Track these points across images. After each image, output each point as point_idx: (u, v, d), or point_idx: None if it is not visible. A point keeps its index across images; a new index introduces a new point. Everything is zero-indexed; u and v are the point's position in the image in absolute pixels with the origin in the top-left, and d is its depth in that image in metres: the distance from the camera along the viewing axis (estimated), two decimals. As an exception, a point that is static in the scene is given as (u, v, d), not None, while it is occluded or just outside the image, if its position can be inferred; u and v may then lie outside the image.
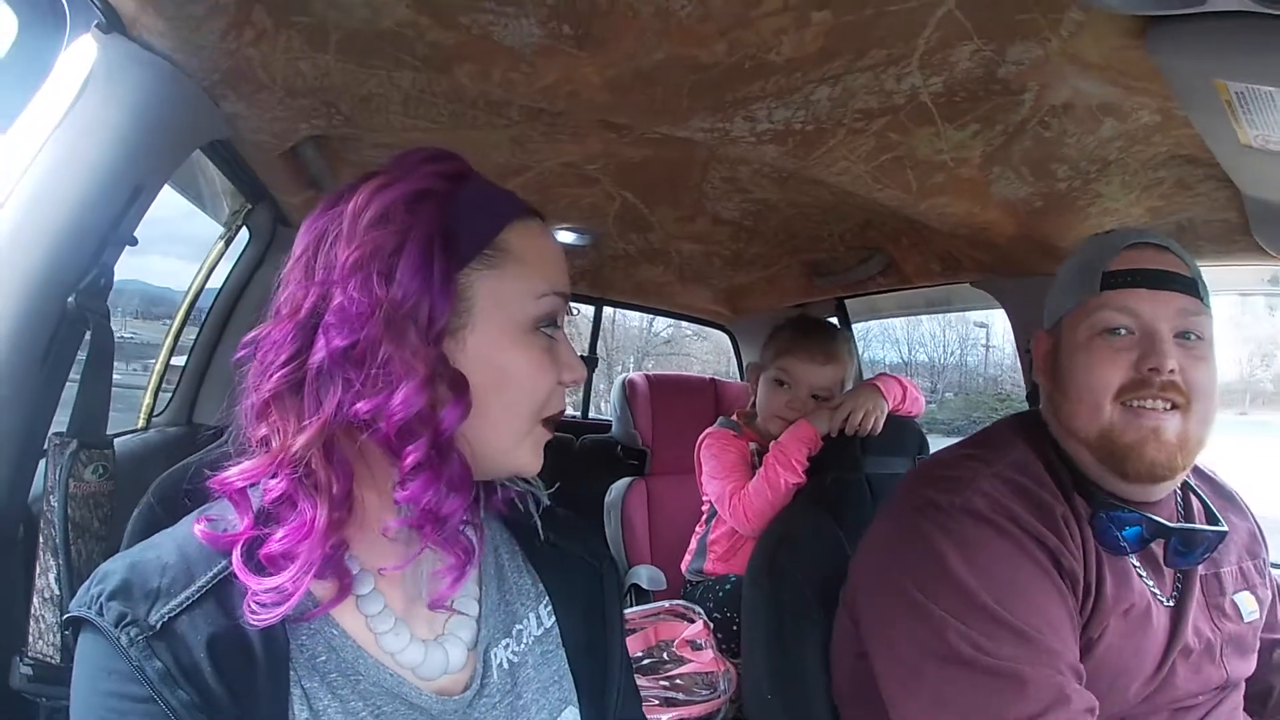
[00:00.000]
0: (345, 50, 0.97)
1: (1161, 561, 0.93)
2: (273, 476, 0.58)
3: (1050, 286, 1.04)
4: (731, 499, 1.57)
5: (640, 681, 1.34)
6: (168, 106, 1.01)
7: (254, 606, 0.55)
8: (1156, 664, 0.90)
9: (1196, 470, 1.06)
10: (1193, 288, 0.93)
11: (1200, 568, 0.95)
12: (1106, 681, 0.86)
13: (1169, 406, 0.89)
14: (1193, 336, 0.92)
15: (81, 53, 0.91)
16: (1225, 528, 0.96)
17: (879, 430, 1.44)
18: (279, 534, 0.56)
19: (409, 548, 0.61)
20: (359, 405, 0.56)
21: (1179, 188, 1.15)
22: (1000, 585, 0.84)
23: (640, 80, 0.99)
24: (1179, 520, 0.99)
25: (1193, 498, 1.02)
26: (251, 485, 0.58)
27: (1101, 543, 0.90)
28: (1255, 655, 0.99)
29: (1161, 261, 0.94)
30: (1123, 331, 0.92)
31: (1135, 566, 0.92)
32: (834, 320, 2.27)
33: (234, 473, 0.58)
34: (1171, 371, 0.88)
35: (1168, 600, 0.93)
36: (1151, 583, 0.93)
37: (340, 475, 0.57)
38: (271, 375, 0.58)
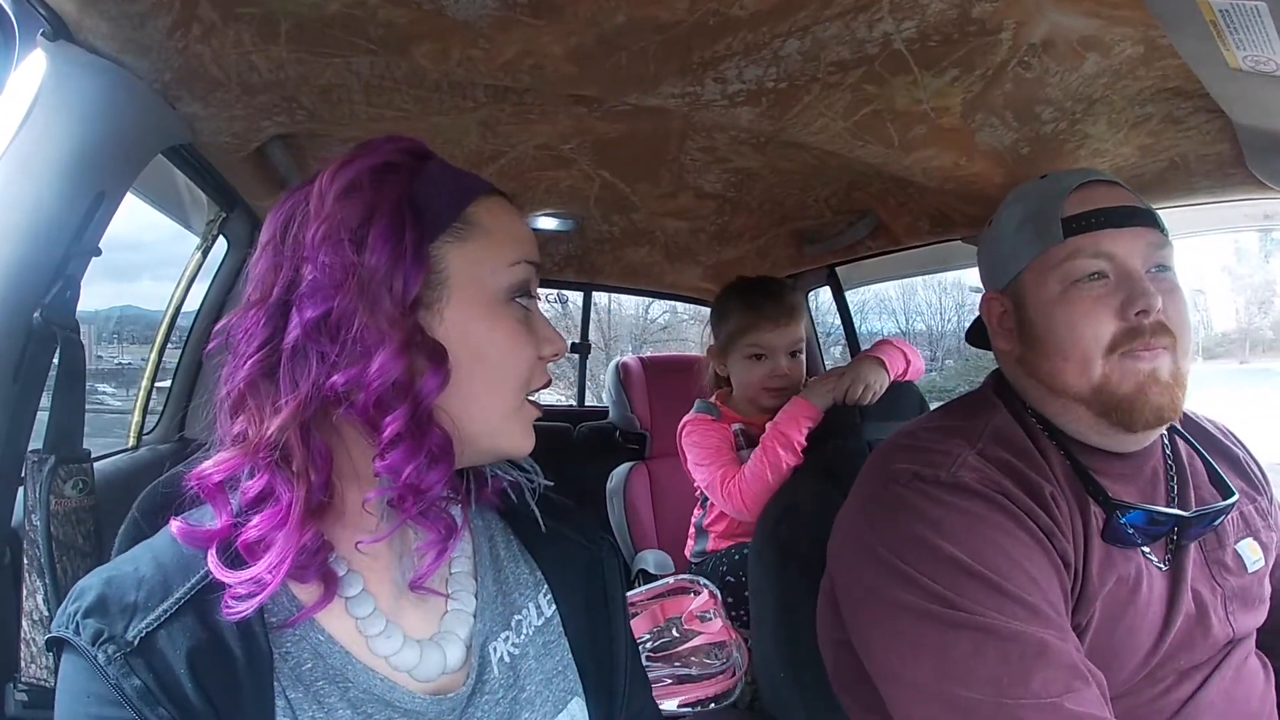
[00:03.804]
0: (297, 39, 0.95)
1: (1171, 539, 0.88)
2: (250, 475, 0.56)
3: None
4: (724, 485, 1.51)
5: (650, 664, 1.33)
6: (122, 111, 0.99)
7: (230, 601, 0.53)
8: (1155, 638, 0.83)
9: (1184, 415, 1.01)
10: (1153, 220, 0.90)
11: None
12: (1100, 661, 0.80)
13: (1162, 348, 0.85)
14: (1165, 269, 0.88)
15: (32, 64, 0.89)
16: (1235, 496, 0.90)
17: (876, 401, 1.41)
18: (255, 520, 0.55)
19: (388, 524, 0.59)
20: (335, 378, 0.55)
21: (1168, 123, 1.12)
22: (999, 559, 0.78)
23: (603, 47, 0.96)
24: (1167, 463, 0.94)
25: (1179, 443, 0.97)
26: (231, 483, 0.57)
27: (1119, 542, 0.84)
28: (1265, 604, 0.92)
29: (1118, 197, 0.90)
30: (1099, 276, 0.87)
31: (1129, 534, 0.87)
32: (826, 288, 2.27)
33: (210, 464, 0.57)
34: (1160, 311, 0.84)
35: (1162, 564, 0.87)
36: (1146, 548, 0.87)
37: (318, 462, 0.56)
38: (245, 363, 0.56)
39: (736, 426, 1.64)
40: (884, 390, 1.43)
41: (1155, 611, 0.84)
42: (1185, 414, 1.00)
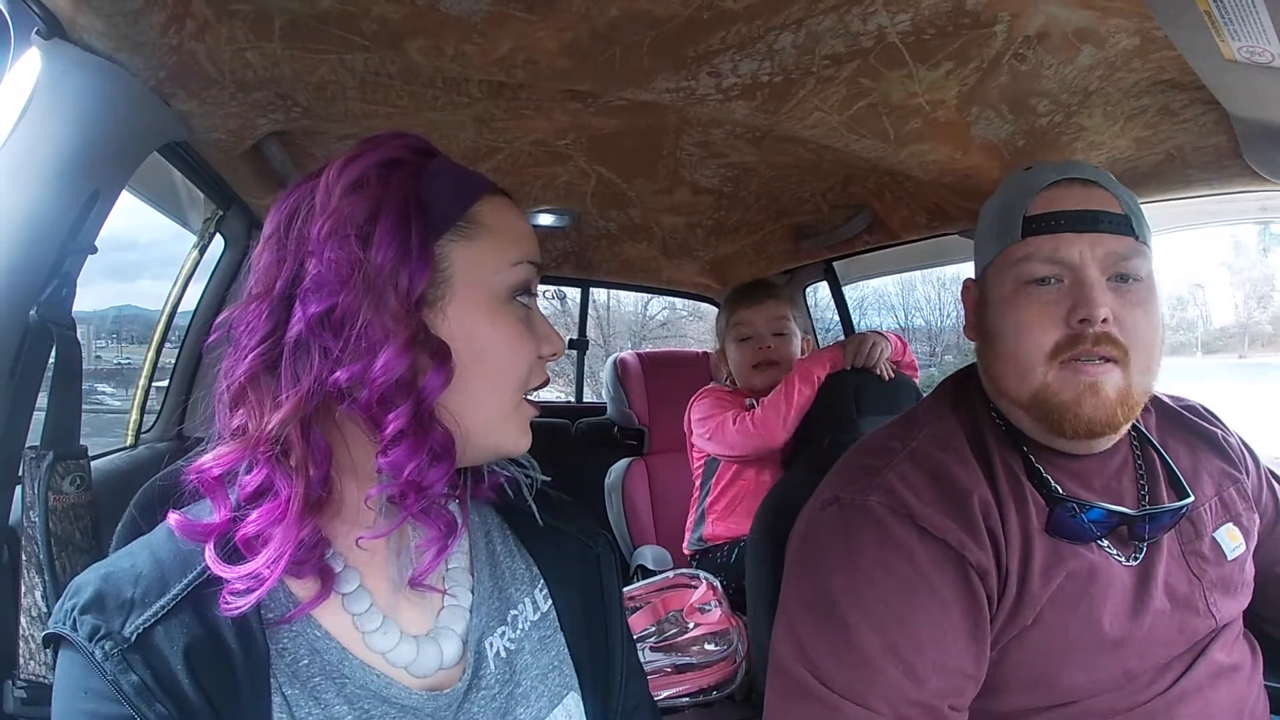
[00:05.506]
0: (291, 36, 0.95)
1: (1126, 536, 0.86)
2: (249, 470, 0.56)
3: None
4: (737, 422, 1.66)
5: (653, 655, 1.33)
6: (117, 109, 0.99)
7: (227, 597, 0.53)
8: (1121, 631, 0.82)
9: (1153, 401, 0.98)
10: (1125, 225, 0.84)
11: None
12: (1057, 659, 0.81)
13: (1105, 360, 0.81)
14: (1130, 279, 0.83)
15: (26, 63, 0.89)
16: (1190, 498, 0.87)
17: (885, 360, 1.51)
18: (254, 515, 0.55)
19: (388, 520, 0.59)
20: (338, 374, 0.54)
21: (1164, 115, 1.11)
22: (887, 619, 0.78)
23: (598, 42, 0.96)
24: (1136, 468, 0.92)
25: (1152, 452, 0.93)
26: (229, 477, 0.57)
27: (1065, 535, 0.83)
28: (1248, 587, 0.91)
29: (1088, 199, 0.85)
30: (1051, 281, 0.84)
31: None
32: (825, 284, 2.28)
33: (209, 458, 0.57)
34: (1105, 321, 0.80)
35: (1125, 558, 0.85)
36: (1107, 544, 0.85)
37: (317, 457, 0.56)
38: (246, 357, 0.56)
39: (749, 401, 1.78)
40: (889, 351, 1.53)
41: (1119, 605, 0.83)
42: (1157, 401, 0.99)
